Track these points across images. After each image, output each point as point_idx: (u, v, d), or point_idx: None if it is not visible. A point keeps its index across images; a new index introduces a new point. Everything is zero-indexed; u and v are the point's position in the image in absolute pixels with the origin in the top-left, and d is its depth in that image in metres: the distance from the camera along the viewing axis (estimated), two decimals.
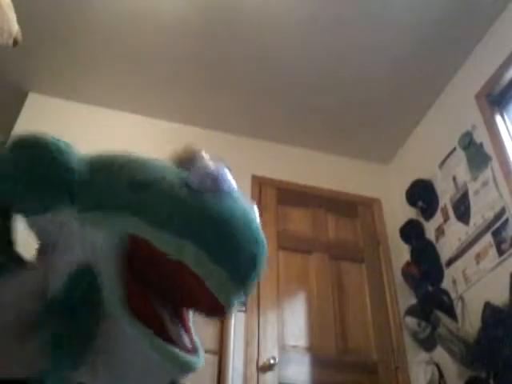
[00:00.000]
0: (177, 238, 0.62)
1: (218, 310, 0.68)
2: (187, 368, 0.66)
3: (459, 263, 2.73)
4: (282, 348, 2.76)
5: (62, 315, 0.60)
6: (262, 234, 0.73)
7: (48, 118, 3.24)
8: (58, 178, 0.69)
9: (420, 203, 3.16)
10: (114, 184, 0.71)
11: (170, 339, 0.66)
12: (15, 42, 1.80)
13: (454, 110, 3.08)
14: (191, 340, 0.73)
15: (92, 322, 0.62)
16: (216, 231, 0.63)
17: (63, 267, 0.65)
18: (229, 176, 0.72)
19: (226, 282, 0.62)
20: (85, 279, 0.63)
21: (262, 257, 0.71)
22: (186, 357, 0.65)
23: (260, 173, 3.44)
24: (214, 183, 0.68)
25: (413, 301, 2.96)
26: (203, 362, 0.70)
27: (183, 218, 0.64)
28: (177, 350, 0.64)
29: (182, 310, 0.76)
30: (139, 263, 0.66)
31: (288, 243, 3.18)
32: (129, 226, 0.65)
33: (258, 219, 0.74)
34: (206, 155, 0.80)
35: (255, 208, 0.77)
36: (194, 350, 0.70)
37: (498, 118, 2.76)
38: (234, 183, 0.73)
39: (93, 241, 0.65)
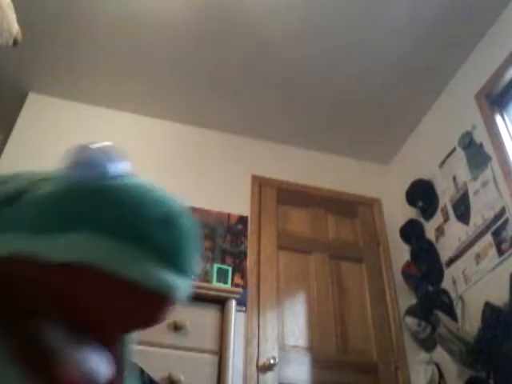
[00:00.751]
0: (62, 234, 0.48)
1: (153, 306, 0.50)
2: None
3: (459, 263, 2.73)
4: (282, 348, 2.76)
5: None
6: (168, 196, 0.55)
7: (48, 118, 3.25)
8: None
9: (420, 203, 3.16)
10: None
11: None
12: (15, 42, 1.80)
13: (454, 109, 3.08)
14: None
15: None
16: (102, 205, 0.50)
17: None
18: (104, 158, 0.55)
19: (144, 257, 0.47)
20: None
21: (179, 216, 0.52)
22: None
23: (260, 173, 3.45)
24: (89, 165, 0.54)
25: (413, 301, 2.96)
26: None
27: (61, 211, 0.50)
28: None
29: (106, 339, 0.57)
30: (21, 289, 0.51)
31: (288, 243, 3.18)
32: (12, 245, 0.49)
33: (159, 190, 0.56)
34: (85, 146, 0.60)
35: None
36: None
37: (498, 118, 2.76)
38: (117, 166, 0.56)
39: None
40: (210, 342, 2.06)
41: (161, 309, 0.49)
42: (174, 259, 0.49)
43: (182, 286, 0.50)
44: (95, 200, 0.51)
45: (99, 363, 0.53)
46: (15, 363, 0.49)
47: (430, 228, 3.08)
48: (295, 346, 2.81)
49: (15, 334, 0.51)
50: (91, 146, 0.57)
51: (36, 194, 0.55)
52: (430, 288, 2.87)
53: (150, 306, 0.49)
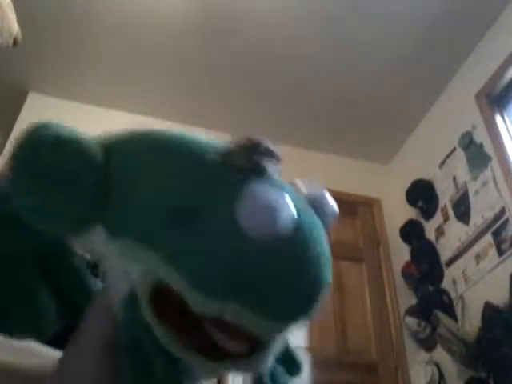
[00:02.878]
0: (217, 299, 0.47)
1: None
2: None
3: (459, 263, 2.72)
4: None
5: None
6: (321, 269, 0.51)
7: (48, 118, 3.24)
8: (78, 180, 0.50)
9: (420, 203, 3.16)
10: (148, 200, 0.51)
11: None
12: (15, 42, 1.80)
13: (454, 110, 3.08)
14: None
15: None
16: (264, 288, 0.48)
17: (115, 301, 0.53)
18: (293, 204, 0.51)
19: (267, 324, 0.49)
20: (138, 313, 0.50)
21: (314, 296, 0.53)
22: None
23: None
24: (268, 223, 0.47)
25: (413, 301, 2.96)
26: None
27: (228, 278, 0.47)
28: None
29: None
30: (160, 307, 0.50)
31: None
32: (162, 273, 0.48)
33: (323, 244, 0.53)
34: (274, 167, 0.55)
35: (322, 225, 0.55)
36: None
37: (498, 118, 2.76)
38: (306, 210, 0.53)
39: (131, 275, 0.50)
40: None
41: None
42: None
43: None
44: (256, 275, 0.47)
45: None
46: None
47: (429, 228, 3.07)
48: (295, 346, 2.80)
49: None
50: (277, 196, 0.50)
51: (214, 231, 0.48)
52: (430, 288, 2.87)
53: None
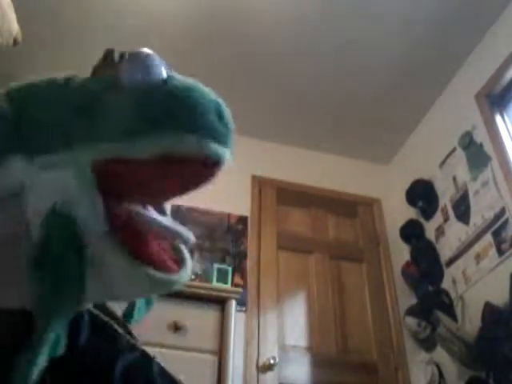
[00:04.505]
0: (147, 136, 0.59)
1: (207, 170, 0.65)
2: (171, 287, 0.66)
3: (459, 263, 2.73)
4: (282, 348, 2.76)
5: (48, 267, 0.58)
6: (210, 91, 0.69)
7: None
8: None
9: (420, 203, 3.16)
10: (50, 119, 0.65)
11: (153, 263, 0.64)
12: (15, 42, 1.80)
13: (454, 110, 3.08)
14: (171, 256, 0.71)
15: (80, 265, 0.59)
16: (180, 105, 0.62)
17: (34, 217, 0.61)
18: (156, 60, 0.67)
19: (211, 139, 0.62)
20: (61, 224, 0.59)
21: (223, 106, 0.68)
22: (170, 279, 0.65)
23: (260, 173, 3.45)
24: (146, 71, 0.64)
25: (413, 301, 2.96)
26: (187, 276, 0.69)
27: (139, 117, 0.61)
28: (162, 275, 0.64)
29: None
30: (109, 185, 0.62)
31: (288, 243, 3.18)
32: (94, 154, 0.60)
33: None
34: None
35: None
36: (177, 268, 0.69)
37: (498, 118, 2.76)
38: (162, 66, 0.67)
39: (62, 183, 0.60)
40: (210, 342, 2.06)
41: (216, 170, 0.65)
42: (226, 139, 0.64)
43: (228, 155, 0.64)
44: (167, 103, 0.62)
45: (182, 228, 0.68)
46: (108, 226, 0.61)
47: (430, 228, 3.07)
48: (295, 346, 2.81)
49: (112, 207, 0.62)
50: (142, 52, 0.67)
51: (108, 102, 0.63)
52: (430, 288, 2.87)
53: (211, 170, 0.64)
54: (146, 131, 0.60)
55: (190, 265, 0.72)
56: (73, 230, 0.59)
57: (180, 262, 0.70)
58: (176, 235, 0.68)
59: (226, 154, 0.63)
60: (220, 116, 0.65)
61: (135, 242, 0.64)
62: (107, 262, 0.62)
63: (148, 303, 0.83)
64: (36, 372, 0.54)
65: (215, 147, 0.61)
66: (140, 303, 0.81)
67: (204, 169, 0.64)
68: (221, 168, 0.64)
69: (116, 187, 0.63)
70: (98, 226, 0.61)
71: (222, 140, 0.63)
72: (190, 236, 0.69)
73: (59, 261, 0.58)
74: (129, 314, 0.79)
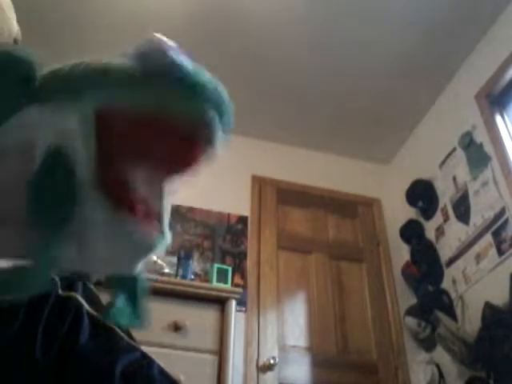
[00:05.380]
0: (150, 89, 0.65)
1: (198, 144, 0.68)
2: (150, 249, 0.68)
3: (459, 263, 2.73)
4: (282, 348, 2.76)
5: (43, 197, 0.63)
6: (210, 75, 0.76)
7: None
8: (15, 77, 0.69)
9: (420, 203, 3.16)
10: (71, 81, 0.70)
11: (138, 219, 0.68)
12: (15, 42, 1.80)
13: (454, 110, 3.08)
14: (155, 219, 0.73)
15: (68, 202, 0.64)
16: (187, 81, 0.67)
17: (39, 150, 0.66)
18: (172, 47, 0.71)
19: (207, 107, 0.66)
20: (58, 162, 0.64)
21: (220, 87, 0.73)
22: (151, 239, 0.68)
23: (260, 173, 3.45)
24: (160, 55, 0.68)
25: (413, 301, 2.96)
26: (168, 241, 0.71)
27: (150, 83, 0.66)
28: (141, 230, 0.67)
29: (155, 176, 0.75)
30: (108, 138, 0.67)
31: (288, 243, 3.18)
32: (99, 100, 0.66)
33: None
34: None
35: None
36: (158, 230, 0.71)
37: (498, 118, 2.76)
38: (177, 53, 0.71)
39: (63, 125, 0.66)
40: (210, 342, 2.06)
41: (207, 145, 0.67)
42: (225, 113, 0.68)
43: (221, 136, 0.67)
44: (175, 73, 0.66)
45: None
46: (101, 192, 0.65)
47: (430, 228, 3.07)
48: (295, 346, 2.81)
49: (105, 169, 0.66)
50: (157, 38, 0.71)
51: (121, 77, 0.67)
52: (430, 288, 2.87)
53: (202, 143, 0.67)
54: (149, 85, 0.65)
55: (169, 235, 0.73)
56: (68, 166, 0.64)
57: (160, 228, 0.72)
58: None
59: (217, 126, 0.66)
60: (219, 93, 0.70)
61: (120, 195, 0.66)
62: (89, 209, 0.65)
63: (132, 302, 0.81)
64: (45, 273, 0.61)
65: (214, 116, 0.65)
66: (121, 302, 0.79)
67: (198, 137, 0.66)
68: (212, 144, 0.67)
69: (114, 145, 0.67)
70: (88, 172, 0.64)
71: (222, 114, 0.67)
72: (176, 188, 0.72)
73: (54, 183, 0.64)
74: (106, 312, 0.76)
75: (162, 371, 0.76)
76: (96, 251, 0.68)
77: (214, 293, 2.19)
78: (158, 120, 0.64)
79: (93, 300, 0.80)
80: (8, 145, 0.68)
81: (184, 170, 0.72)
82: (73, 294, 0.77)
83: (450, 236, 2.86)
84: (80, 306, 0.76)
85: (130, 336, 0.78)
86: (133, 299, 0.78)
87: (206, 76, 0.72)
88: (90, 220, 0.65)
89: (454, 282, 2.74)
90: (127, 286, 0.77)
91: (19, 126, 0.68)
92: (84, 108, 0.66)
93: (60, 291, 0.75)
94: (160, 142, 0.67)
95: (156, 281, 2.14)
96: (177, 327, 2.03)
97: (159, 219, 0.73)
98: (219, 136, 0.66)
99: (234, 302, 2.18)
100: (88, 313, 0.75)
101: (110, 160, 0.66)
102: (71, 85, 0.69)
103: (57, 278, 0.76)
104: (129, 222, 0.66)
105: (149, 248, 0.68)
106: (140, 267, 0.74)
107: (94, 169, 0.64)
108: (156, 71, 0.67)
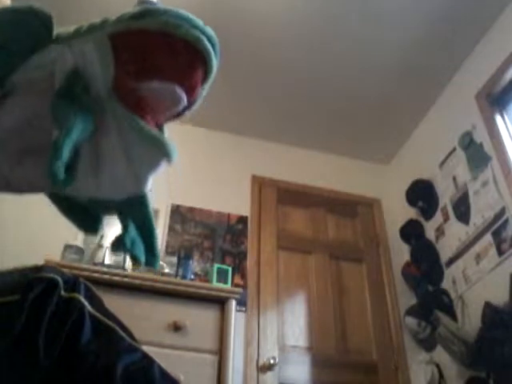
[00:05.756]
0: (154, 16, 0.76)
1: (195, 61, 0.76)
2: (167, 151, 0.70)
3: (459, 263, 2.73)
4: (282, 348, 2.76)
5: (67, 106, 0.70)
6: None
7: None
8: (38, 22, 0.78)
9: (420, 203, 3.16)
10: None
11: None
12: None
13: (454, 110, 3.08)
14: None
15: (85, 111, 0.71)
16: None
17: (60, 73, 0.74)
18: None
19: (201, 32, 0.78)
20: (79, 78, 0.73)
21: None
22: (165, 139, 0.71)
23: (260, 173, 3.45)
24: None
25: (413, 301, 2.96)
26: (174, 155, 0.74)
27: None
28: (158, 133, 0.72)
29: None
30: (122, 55, 0.75)
31: (288, 243, 3.19)
32: (112, 28, 0.78)
33: None
34: None
35: None
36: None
37: (498, 118, 2.76)
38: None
39: (80, 50, 0.76)
40: (210, 342, 2.06)
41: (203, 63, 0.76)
42: (215, 45, 0.77)
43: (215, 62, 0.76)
44: (167, 13, 0.78)
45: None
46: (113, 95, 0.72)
47: (430, 228, 3.08)
48: (295, 346, 2.81)
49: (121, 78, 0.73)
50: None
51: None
52: (430, 288, 2.87)
53: (196, 64, 0.75)
54: (154, 16, 0.76)
55: (175, 148, 0.77)
56: (85, 82, 0.73)
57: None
58: (170, 98, 0.76)
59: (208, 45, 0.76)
60: (212, 36, 0.78)
61: (133, 104, 0.73)
62: (106, 118, 0.72)
63: (143, 236, 0.81)
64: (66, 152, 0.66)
65: (208, 44, 0.75)
66: (133, 231, 0.79)
67: (198, 57, 0.75)
68: (209, 66, 0.76)
69: (128, 61, 0.75)
70: (105, 85, 0.73)
71: (213, 46, 0.76)
72: (182, 97, 0.76)
73: (72, 97, 0.71)
74: (119, 241, 0.76)
75: (162, 371, 0.76)
76: (110, 165, 0.72)
77: (214, 293, 2.19)
78: (164, 37, 0.73)
79: (95, 301, 0.80)
80: (35, 76, 0.76)
81: (188, 88, 0.77)
82: (75, 295, 0.77)
83: (449, 236, 2.86)
84: (82, 306, 0.76)
85: (131, 336, 0.78)
86: (144, 232, 0.79)
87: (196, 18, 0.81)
88: (106, 129, 0.72)
89: (453, 281, 2.74)
90: (137, 215, 0.78)
91: (43, 59, 0.76)
92: (98, 35, 0.78)
93: (63, 292, 0.76)
94: (166, 57, 0.74)
95: (156, 281, 2.14)
96: (177, 327, 2.03)
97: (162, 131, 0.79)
98: (214, 61, 0.75)
99: (234, 302, 2.17)
100: (90, 314, 0.75)
101: (125, 75, 0.73)
102: (83, 29, 0.81)
103: (59, 280, 0.76)
104: (140, 123, 0.71)
105: (159, 153, 0.71)
106: (149, 185, 0.76)
107: (111, 82, 0.72)
108: (159, 9, 0.77)
